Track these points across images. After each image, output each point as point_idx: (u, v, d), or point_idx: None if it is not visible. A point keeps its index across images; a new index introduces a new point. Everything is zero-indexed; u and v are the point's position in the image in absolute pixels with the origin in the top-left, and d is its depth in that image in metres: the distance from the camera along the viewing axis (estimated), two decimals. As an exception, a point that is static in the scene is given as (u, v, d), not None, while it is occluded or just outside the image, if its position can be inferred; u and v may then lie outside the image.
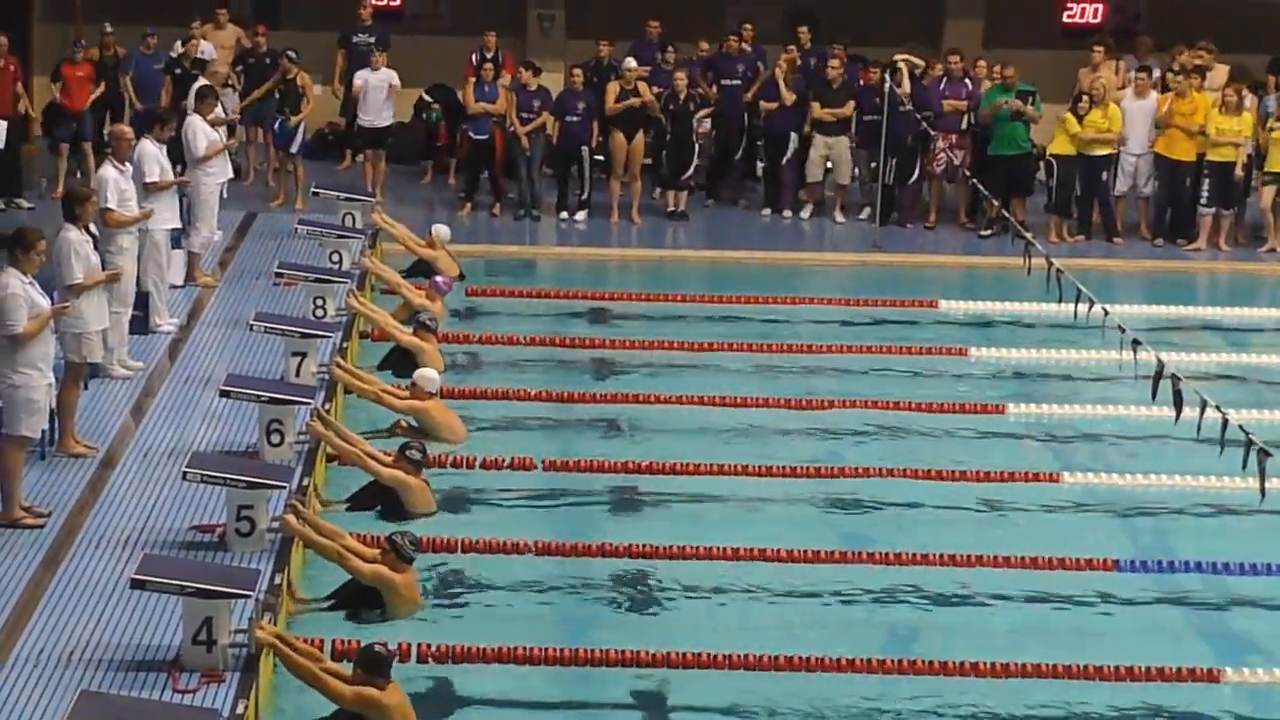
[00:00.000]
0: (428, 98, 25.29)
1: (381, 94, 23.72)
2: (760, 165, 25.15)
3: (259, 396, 14.37)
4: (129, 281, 16.33)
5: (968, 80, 24.08)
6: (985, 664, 11.53)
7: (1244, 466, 11.79)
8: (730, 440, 15.76)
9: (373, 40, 24.85)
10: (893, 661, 11.62)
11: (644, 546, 13.16)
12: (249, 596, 11.20)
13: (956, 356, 18.38)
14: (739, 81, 24.55)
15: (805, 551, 13.12)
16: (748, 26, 25.15)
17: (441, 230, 20.45)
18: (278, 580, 11.86)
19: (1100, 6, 27.48)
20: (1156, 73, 24.47)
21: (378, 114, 23.76)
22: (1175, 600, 12.92)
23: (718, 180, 25.16)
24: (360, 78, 23.88)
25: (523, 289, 20.42)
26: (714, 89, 24.53)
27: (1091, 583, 13.02)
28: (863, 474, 14.85)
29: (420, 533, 12.80)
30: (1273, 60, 24.93)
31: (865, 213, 24.22)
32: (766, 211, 24.65)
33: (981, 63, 24.37)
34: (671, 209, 24.24)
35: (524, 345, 18.14)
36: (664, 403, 16.48)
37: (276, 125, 23.39)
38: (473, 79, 24.21)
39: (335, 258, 19.52)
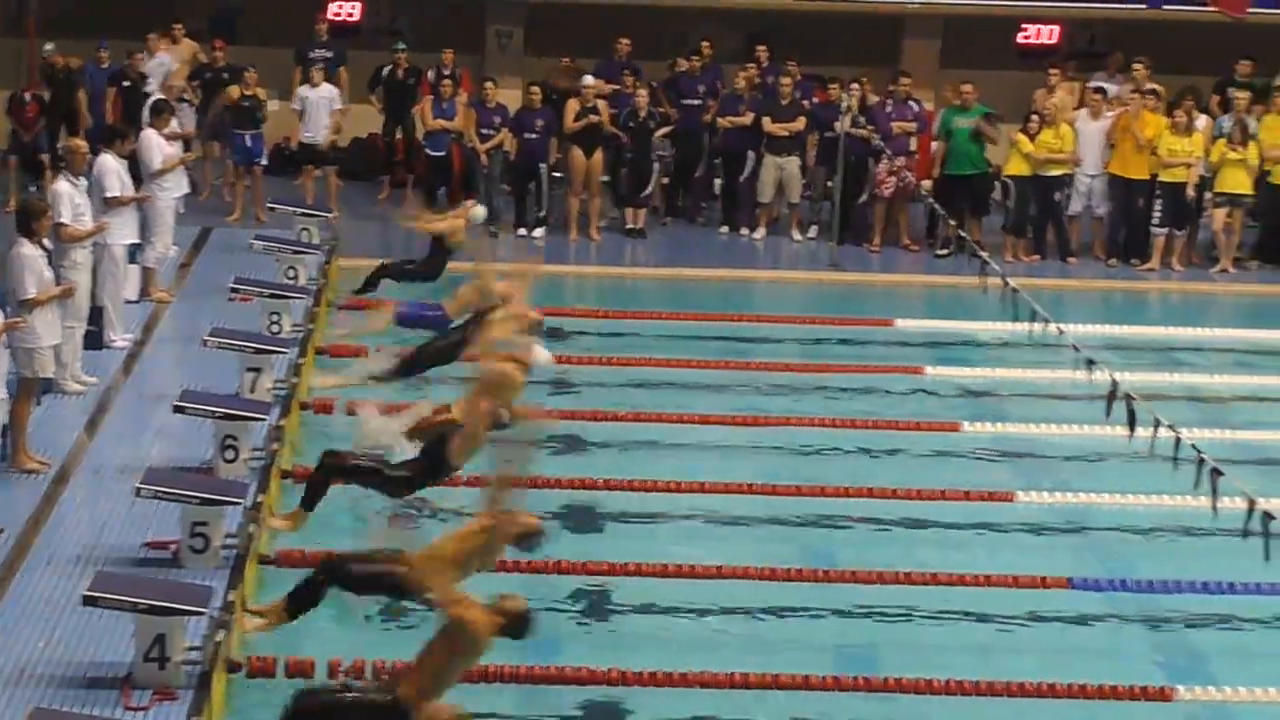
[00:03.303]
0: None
1: (323, 110, 23.73)
2: (718, 183, 25.25)
3: (213, 412, 14.32)
4: (83, 296, 16.26)
5: (911, 103, 24.18)
6: (940, 681, 11.54)
7: (1196, 485, 11.83)
8: (687, 457, 15.75)
9: (330, 56, 24.84)
10: (848, 679, 11.62)
11: (600, 564, 13.15)
12: (202, 613, 11.16)
13: (912, 375, 18.42)
14: (699, 101, 24.63)
15: (762, 569, 13.13)
16: (706, 45, 25.23)
17: (478, 211, 20.09)
18: (231, 597, 11.83)
19: (1055, 28, 27.61)
20: (1113, 89, 24.61)
21: (318, 130, 23.77)
22: (1128, 619, 12.97)
23: (676, 198, 25.23)
24: (301, 94, 23.90)
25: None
26: (674, 108, 24.60)
27: (1045, 601, 13.05)
28: (819, 492, 14.86)
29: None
30: (1218, 82, 25.13)
31: (813, 231, 24.32)
32: (724, 229, 24.71)
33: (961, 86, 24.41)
34: (630, 226, 24.28)
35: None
36: (619, 420, 16.48)
37: (246, 140, 23.37)
38: (430, 96, 24.23)
39: (291, 273, 19.49)
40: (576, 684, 11.49)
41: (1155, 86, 24.17)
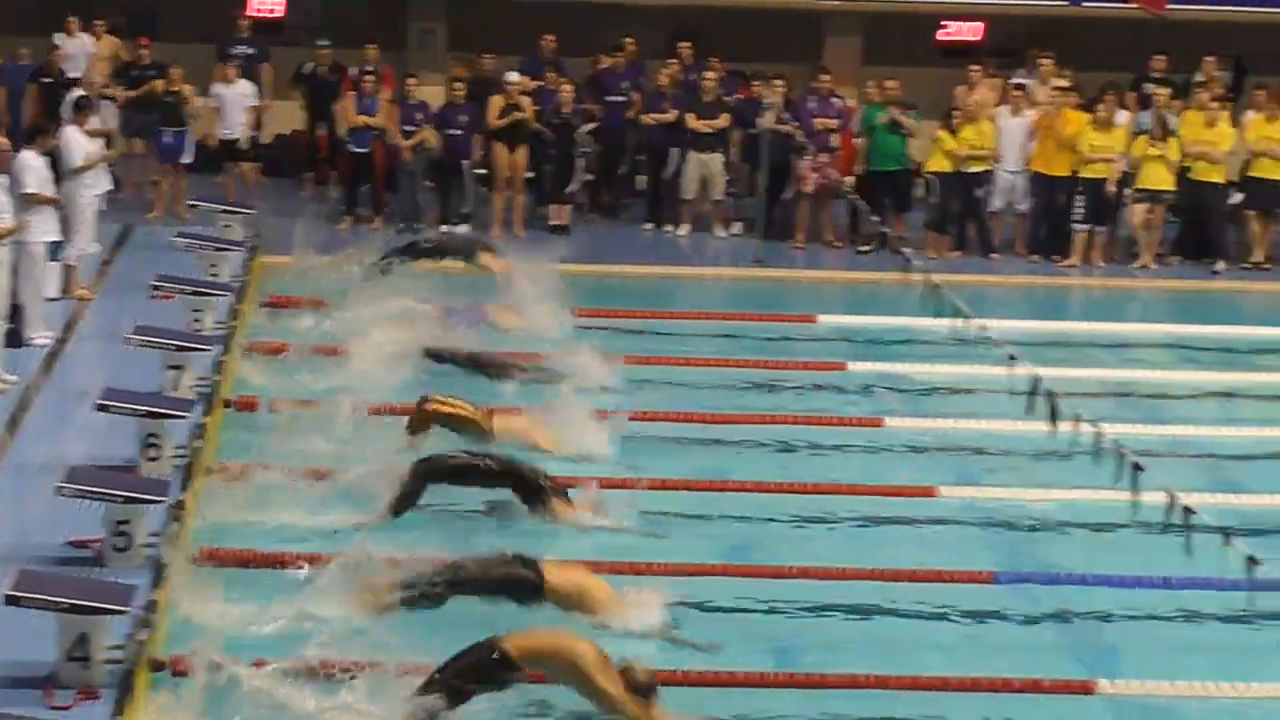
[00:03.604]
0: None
1: (238, 108, 23.67)
2: (642, 180, 25.28)
3: (136, 410, 14.25)
4: (2, 294, 16.16)
5: (834, 99, 24.28)
6: (864, 675, 11.59)
7: (1117, 480, 11.94)
8: (610, 454, 15.73)
9: (252, 52, 24.76)
10: (771, 674, 11.66)
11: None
12: (125, 612, 11.11)
13: (835, 371, 18.49)
14: (623, 98, 24.65)
15: (686, 565, 13.14)
16: (629, 41, 25.26)
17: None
18: (154, 596, 11.77)
19: (977, 25, 27.75)
20: (1033, 85, 24.75)
21: (235, 127, 23.70)
22: (1051, 612, 13.04)
23: (601, 194, 25.26)
24: (215, 91, 23.83)
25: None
26: (598, 104, 24.62)
27: (969, 595, 13.12)
28: (740, 488, 14.89)
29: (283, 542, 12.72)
30: (1135, 78, 25.32)
31: (737, 227, 24.39)
32: (649, 226, 24.74)
33: (872, 83, 24.53)
34: (554, 223, 24.26)
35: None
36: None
37: (168, 137, 23.26)
38: (352, 92, 24.17)
39: (213, 270, 19.41)
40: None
41: (1062, 81, 24.34)
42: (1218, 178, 23.74)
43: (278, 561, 12.79)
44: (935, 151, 23.83)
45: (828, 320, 20.39)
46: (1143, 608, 13.04)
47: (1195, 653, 12.40)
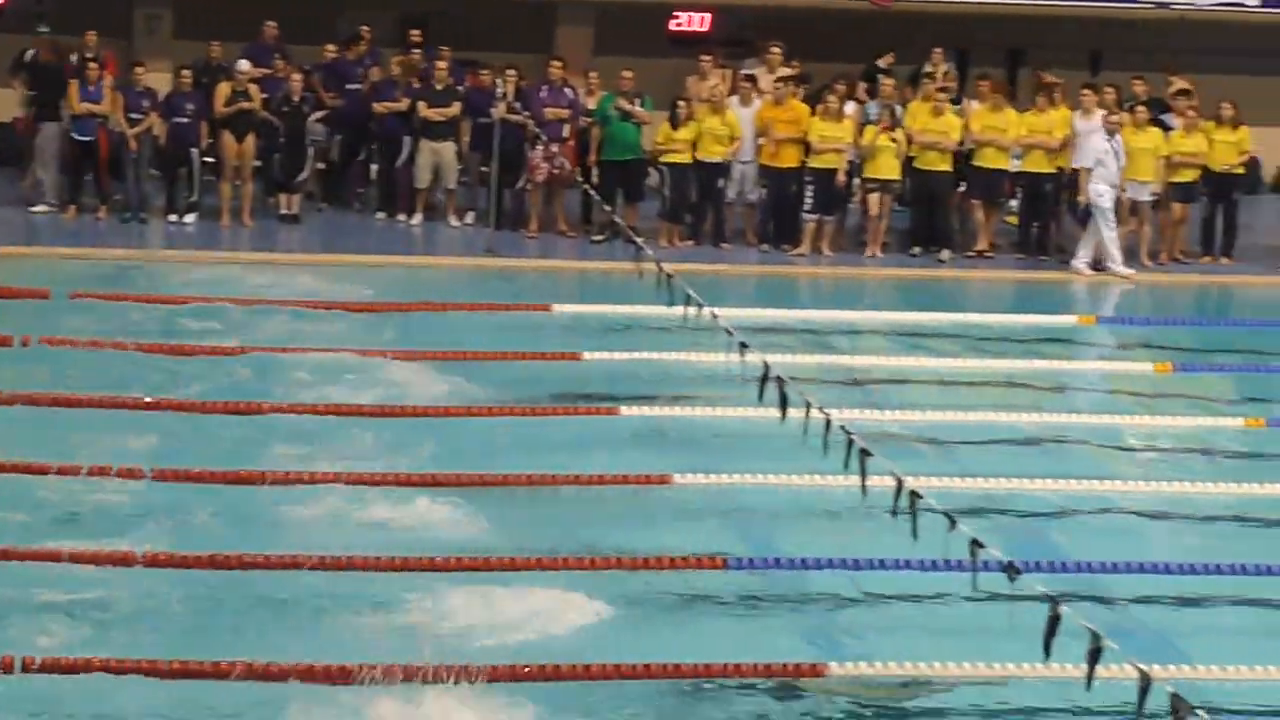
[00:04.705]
0: None
1: None
2: (374, 169, 25.09)
3: None
4: None
5: (566, 89, 24.30)
6: (581, 666, 11.50)
7: (845, 466, 12.07)
8: (323, 446, 15.52)
9: (-32, 39, 24.14)
10: (476, 667, 11.50)
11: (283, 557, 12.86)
12: None
13: (570, 360, 18.48)
14: (360, 86, 24.46)
15: (421, 559, 13.01)
16: (366, 30, 25.08)
17: None
18: None
19: (707, 15, 27.96)
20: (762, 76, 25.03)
21: None
22: (782, 598, 13.15)
23: (336, 184, 25.02)
24: None
25: (128, 293, 19.96)
26: (334, 94, 24.38)
27: (700, 581, 13.18)
28: (478, 481, 14.80)
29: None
30: (864, 70, 25.70)
31: (470, 216, 24.33)
32: (381, 215, 24.57)
33: (594, 75, 24.60)
34: (284, 212, 23.98)
35: (132, 351, 17.72)
36: (262, 412, 16.17)
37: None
38: (75, 80, 23.65)
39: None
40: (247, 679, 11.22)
41: (787, 71, 24.62)
42: (945, 167, 24.16)
43: None
44: (669, 142, 23.94)
45: (562, 309, 20.38)
46: (871, 591, 13.21)
47: (920, 633, 12.58)
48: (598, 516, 14.39)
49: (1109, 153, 23.65)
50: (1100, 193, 23.62)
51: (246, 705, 11.00)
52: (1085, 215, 23.77)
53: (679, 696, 11.54)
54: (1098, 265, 23.81)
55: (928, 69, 25.63)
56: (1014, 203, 25.10)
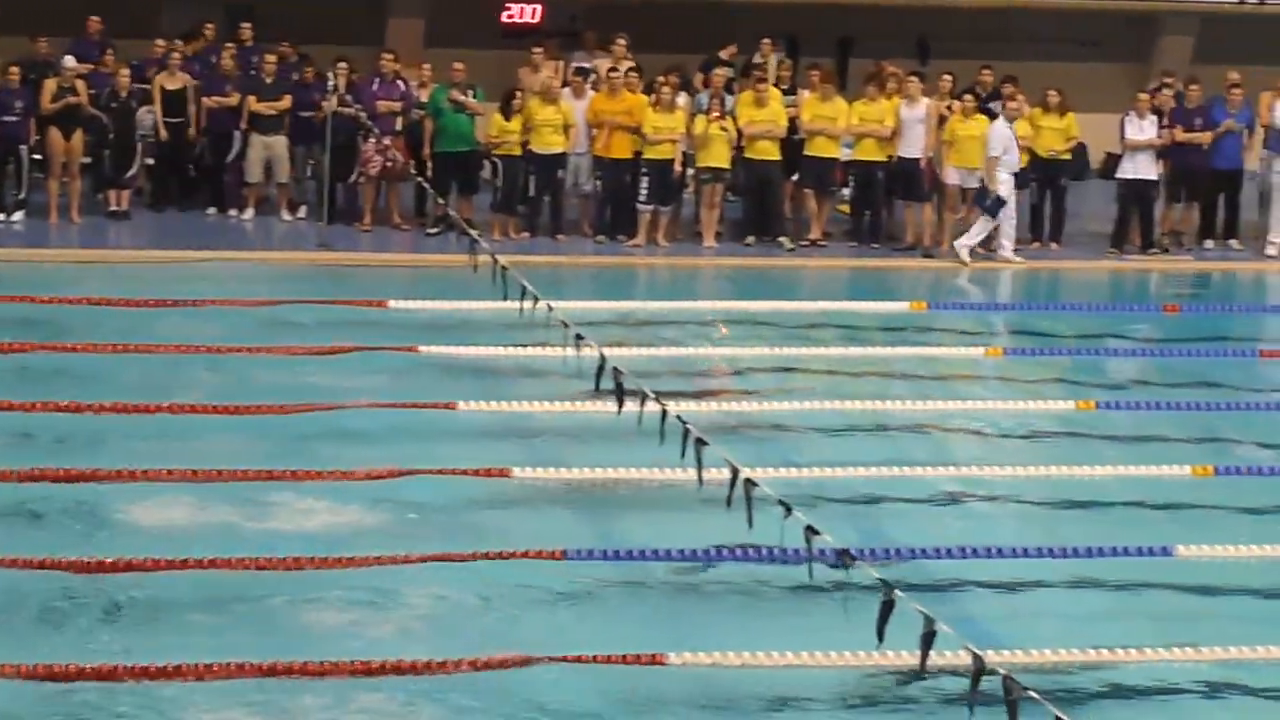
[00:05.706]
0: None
1: None
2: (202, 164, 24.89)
3: None
4: None
5: (399, 82, 24.23)
6: (433, 661, 11.53)
7: (683, 455, 12.13)
8: (164, 445, 15.40)
9: None
10: (315, 664, 11.50)
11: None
12: None
13: (406, 354, 18.42)
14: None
15: (268, 559, 12.96)
16: (209, 26, 24.96)
17: None
18: None
19: (539, 7, 27.97)
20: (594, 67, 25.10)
21: None
22: (625, 587, 13.19)
23: (170, 180, 24.82)
24: None
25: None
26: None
27: (541, 573, 13.19)
28: (315, 476, 14.73)
29: None
30: (704, 60, 25.83)
31: (302, 211, 24.21)
32: (212, 210, 24.37)
33: (427, 67, 24.54)
34: (114, 209, 23.73)
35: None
36: (103, 411, 16.02)
37: None
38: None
39: None
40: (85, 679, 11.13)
41: (630, 63, 24.70)
42: (775, 156, 24.31)
43: None
44: (503, 134, 23.92)
45: (398, 304, 20.30)
46: (708, 580, 13.30)
47: (760, 622, 12.68)
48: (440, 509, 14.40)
49: (1012, 140, 23.91)
50: (1002, 180, 23.83)
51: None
52: (996, 204, 23.81)
53: (520, 685, 11.56)
54: (986, 249, 24.09)
55: (757, 59, 25.79)
56: (846, 191, 25.30)
